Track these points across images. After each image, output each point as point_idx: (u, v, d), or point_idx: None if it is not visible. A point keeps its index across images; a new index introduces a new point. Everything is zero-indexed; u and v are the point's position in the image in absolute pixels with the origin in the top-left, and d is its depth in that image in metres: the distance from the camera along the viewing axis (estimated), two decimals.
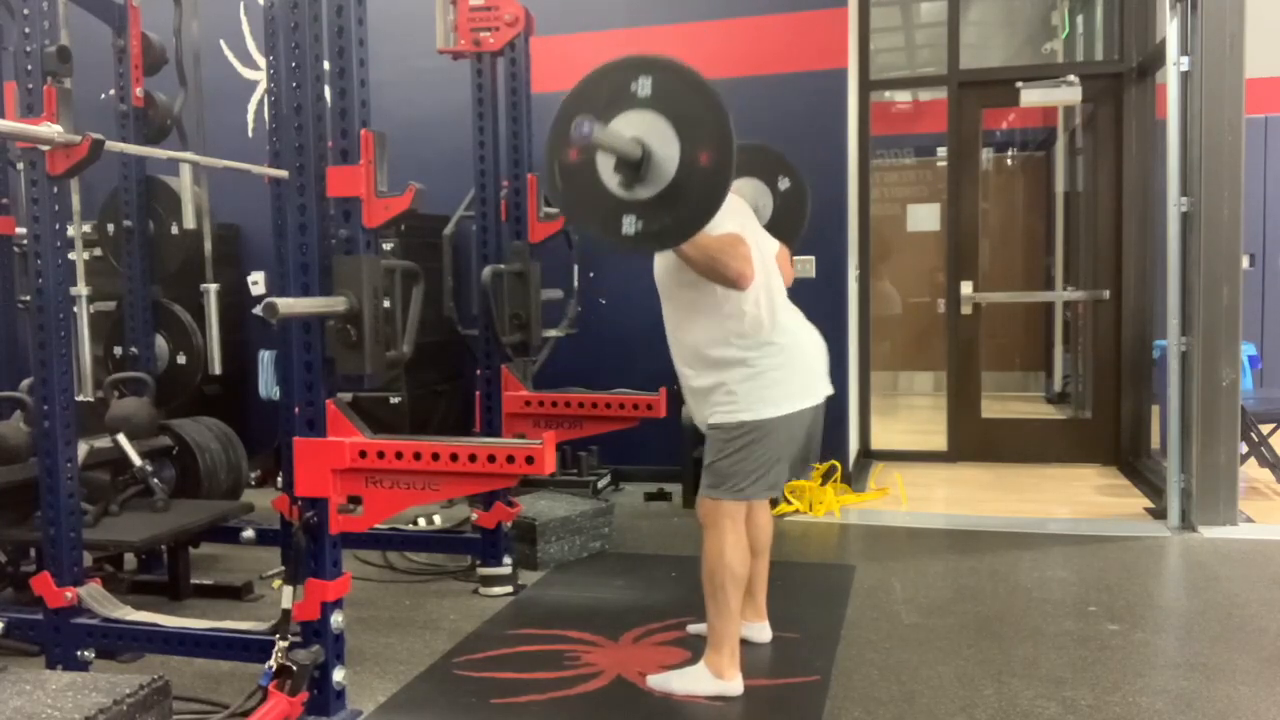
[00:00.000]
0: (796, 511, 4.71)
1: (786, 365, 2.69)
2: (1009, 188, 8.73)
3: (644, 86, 2.31)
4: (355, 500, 2.51)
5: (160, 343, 3.86)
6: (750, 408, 2.65)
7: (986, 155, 7.95)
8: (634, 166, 2.31)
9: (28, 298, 2.67)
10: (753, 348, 2.66)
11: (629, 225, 2.34)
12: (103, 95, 3.76)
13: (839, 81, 5.28)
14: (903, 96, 8.84)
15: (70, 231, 2.76)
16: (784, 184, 3.13)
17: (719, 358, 2.68)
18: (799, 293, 3.01)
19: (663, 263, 2.73)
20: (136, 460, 3.43)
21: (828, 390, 2.85)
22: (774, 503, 3.53)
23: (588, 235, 2.44)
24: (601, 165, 2.37)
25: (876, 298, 7.93)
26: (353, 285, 2.41)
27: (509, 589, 3.64)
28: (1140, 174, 5.73)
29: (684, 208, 2.31)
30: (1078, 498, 5.17)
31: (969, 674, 2.87)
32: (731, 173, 2.30)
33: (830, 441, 3.99)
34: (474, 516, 3.72)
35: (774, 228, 3.01)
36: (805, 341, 2.79)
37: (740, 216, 2.73)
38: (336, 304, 2.40)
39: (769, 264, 2.77)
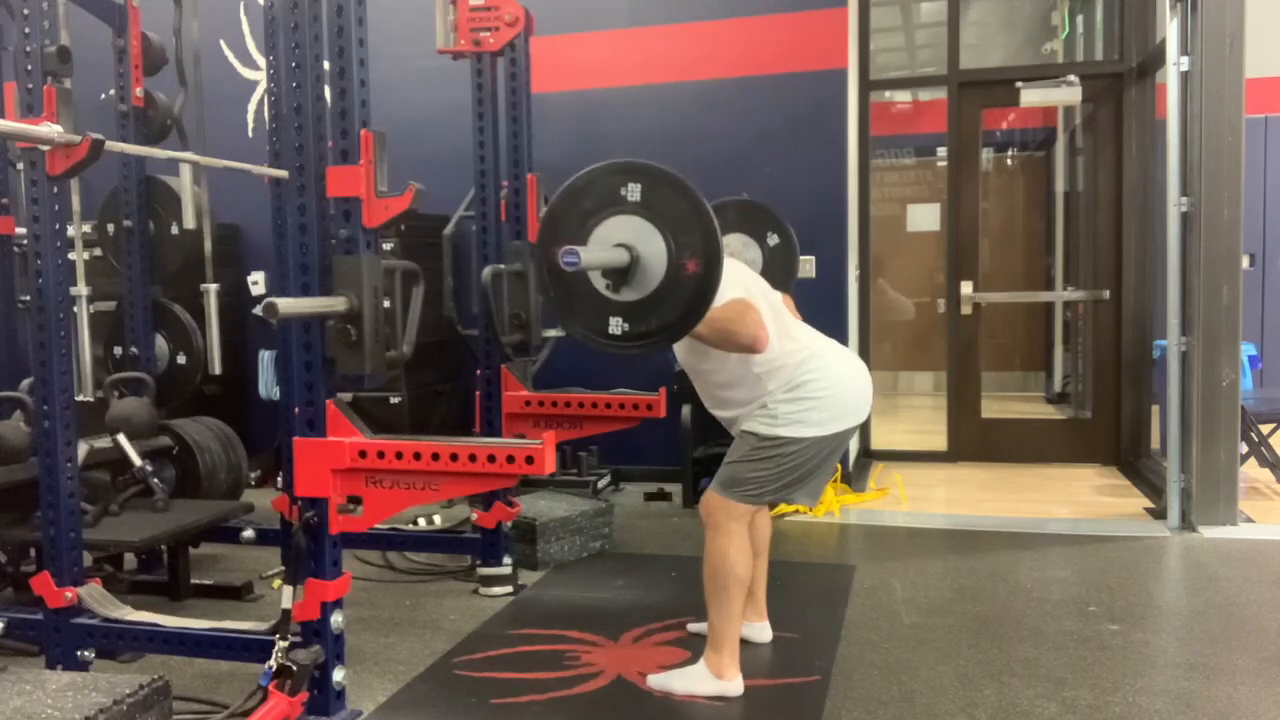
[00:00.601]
0: (796, 511, 4.71)
1: (826, 389, 2.70)
2: (1009, 188, 8.73)
3: (634, 192, 2.33)
4: (355, 500, 2.51)
5: (160, 343, 3.86)
6: (788, 426, 2.67)
7: (986, 155, 7.94)
8: (621, 272, 2.34)
9: (28, 298, 2.67)
10: (790, 385, 2.68)
11: (615, 326, 2.37)
12: (103, 95, 3.76)
13: (839, 81, 5.27)
14: (903, 96, 8.83)
15: (70, 231, 2.76)
16: (773, 240, 3.19)
17: (760, 406, 2.71)
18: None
19: (681, 345, 2.74)
20: (136, 460, 3.43)
21: (864, 416, 2.85)
22: (773, 503, 3.52)
23: (575, 334, 2.44)
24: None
25: (886, 307, 7.94)
26: (353, 285, 2.41)
27: (509, 589, 3.65)
28: (1140, 174, 5.73)
29: (670, 312, 2.34)
30: (1078, 498, 5.17)
31: (969, 674, 2.87)
32: (717, 283, 2.32)
33: None
34: (474, 516, 3.72)
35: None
36: (839, 369, 2.78)
37: (743, 278, 2.72)
38: (336, 304, 2.40)
39: (780, 310, 2.77)
